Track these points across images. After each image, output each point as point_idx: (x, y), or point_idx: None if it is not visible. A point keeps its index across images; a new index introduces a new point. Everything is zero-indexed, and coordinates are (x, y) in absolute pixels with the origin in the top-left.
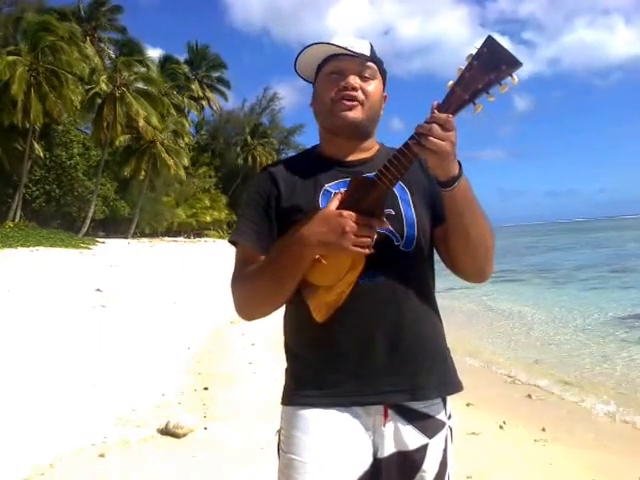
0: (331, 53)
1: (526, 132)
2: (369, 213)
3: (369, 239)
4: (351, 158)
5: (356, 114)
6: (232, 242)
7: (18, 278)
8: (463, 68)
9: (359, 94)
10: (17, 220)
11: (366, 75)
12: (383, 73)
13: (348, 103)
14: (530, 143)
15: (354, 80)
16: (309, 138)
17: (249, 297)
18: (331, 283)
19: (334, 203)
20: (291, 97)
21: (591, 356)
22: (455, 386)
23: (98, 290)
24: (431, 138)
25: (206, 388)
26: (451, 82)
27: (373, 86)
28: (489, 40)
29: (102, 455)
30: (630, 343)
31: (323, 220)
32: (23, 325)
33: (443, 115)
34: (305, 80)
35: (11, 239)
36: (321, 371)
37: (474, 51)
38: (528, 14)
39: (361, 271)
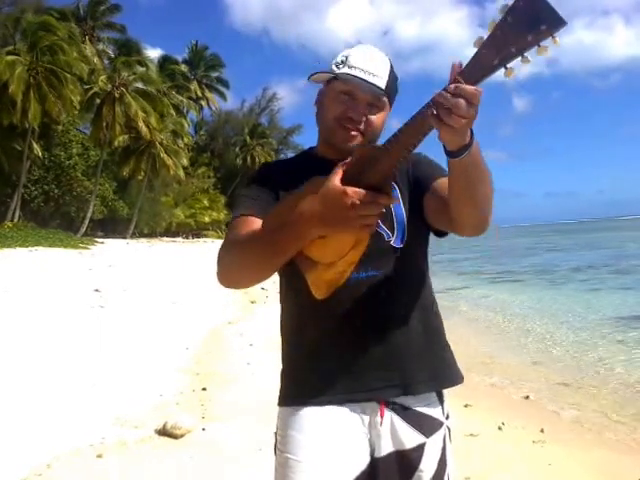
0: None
1: (525, 133)
2: (375, 188)
3: (375, 218)
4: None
5: (354, 142)
6: (236, 215)
7: (16, 278)
8: (495, 23)
9: (362, 126)
10: (16, 220)
11: (375, 107)
12: (394, 93)
13: (350, 133)
14: (529, 144)
15: (361, 114)
16: (308, 138)
17: (236, 264)
18: (331, 260)
19: (337, 177)
20: (290, 97)
21: (590, 357)
22: (450, 380)
23: (97, 290)
24: (454, 114)
25: (204, 389)
26: (479, 38)
27: (378, 117)
28: None
29: (100, 456)
30: (629, 344)
31: (326, 198)
32: (21, 325)
33: (471, 88)
34: (315, 83)
35: (10, 239)
36: (314, 370)
37: (510, 1)
38: None
39: (363, 251)
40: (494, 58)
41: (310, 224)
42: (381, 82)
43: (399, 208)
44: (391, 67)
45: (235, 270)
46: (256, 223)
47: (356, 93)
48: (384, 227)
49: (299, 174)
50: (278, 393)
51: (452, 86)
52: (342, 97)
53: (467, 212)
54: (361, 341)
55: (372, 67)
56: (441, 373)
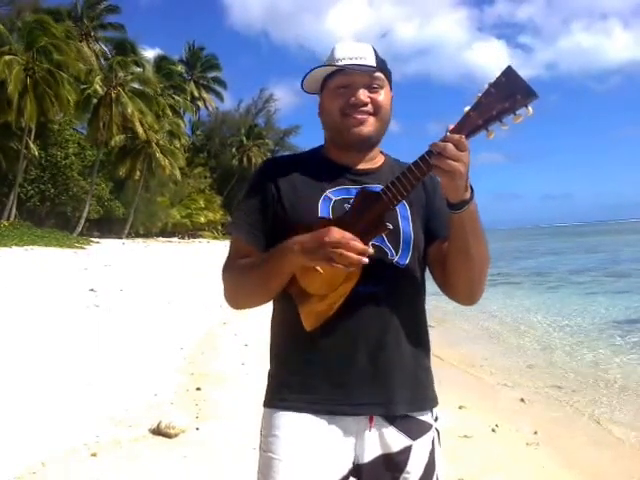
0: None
1: (523, 135)
2: (369, 227)
3: (352, 258)
4: (356, 166)
5: (368, 127)
6: (228, 232)
7: (12, 277)
8: (480, 95)
9: (369, 107)
10: (12, 219)
11: (374, 86)
12: (389, 75)
13: (359, 117)
14: (526, 146)
15: (364, 95)
16: (305, 139)
17: (236, 290)
18: (324, 292)
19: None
20: (288, 98)
21: (584, 360)
22: (428, 403)
23: (92, 290)
24: (445, 157)
25: (198, 388)
26: (468, 107)
27: (383, 95)
28: (508, 70)
29: (94, 454)
30: (624, 348)
31: (314, 232)
32: (16, 324)
33: (457, 135)
34: (311, 94)
35: (6, 238)
36: (301, 376)
37: (494, 80)
38: (526, 18)
39: (355, 284)
40: (479, 119)
41: (292, 251)
42: (370, 62)
43: (407, 226)
44: (375, 50)
45: (238, 295)
46: (249, 247)
47: (351, 81)
48: (389, 244)
49: (305, 172)
50: (265, 394)
51: (442, 136)
52: (339, 91)
53: (463, 278)
54: (351, 354)
55: (356, 52)
56: (421, 396)
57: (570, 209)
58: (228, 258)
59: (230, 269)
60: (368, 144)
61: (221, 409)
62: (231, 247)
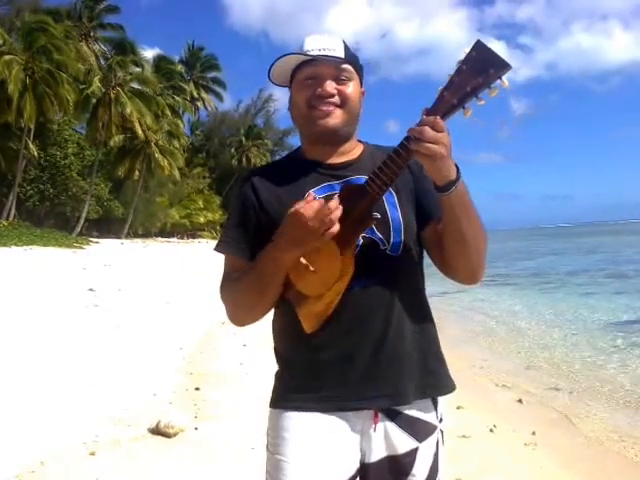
0: (305, 59)
1: (522, 136)
2: (358, 221)
3: (331, 221)
4: (334, 161)
5: (334, 120)
6: (218, 251)
7: (11, 277)
8: (452, 74)
9: (336, 99)
10: (11, 219)
11: (342, 77)
12: (360, 70)
13: (324, 109)
14: (526, 147)
15: (330, 86)
16: None
17: (235, 304)
18: (320, 292)
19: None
20: (287, 99)
21: (583, 361)
22: (438, 390)
23: (91, 290)
24: (422, 141)
25: (197, 388)
26: (441, 87)
27: (351, 87)
28: (478, 44)
29: (93, 454)
30: (622, 349)
31: (286, 223)
32: (15, 324)
33: (432, 117)
34: (281, 86)
35: (5, 238)
36: (306, 376)
37: (463, 56)
38: (526, 18)
39: (350, 279)
40: (453, 98)
41: (283, 249)
42: (338, 54)
43: (396, 214)
44: (345, 43)
45: (238, 309)
46: (239, 261)
47: (318, 72)
48: (379, 234)
49: (285, 177)
50: (271, 394)
51: (419, 120)
52: (307, 82)
53: (461, 259)
54: (355, 350)
55: (325, 44)
56: (431, 384)
57: (570, 210)
58: (223, 277)
59: (225, 287)
60: (336, 136)
61: (220, 409)
62: (224, 264)
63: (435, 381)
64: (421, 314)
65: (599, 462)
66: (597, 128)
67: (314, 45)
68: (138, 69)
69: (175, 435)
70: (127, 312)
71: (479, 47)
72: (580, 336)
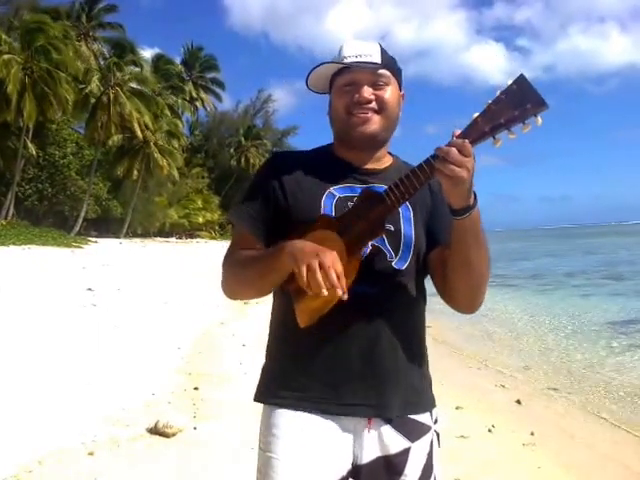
0: (342, 67)
1: (521, 138)
2: (369, 228)
3: (321, 283)
4: (363, 166)
5: (372, 126)
6: (230, 220)
7: (9, 276)
8: (490, 101)
9: (373, 105)
10: (9, 218)
11: (379, 83)
12: (397, 73)
13: (362, 115)
14: (525, 149)
15: (367, 92)
16: (303, 140)
17: (235, 281)
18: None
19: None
20: (287, 99)
21: (581, 362)
22: (422, 407)
23: (89, 289)
24: (448, 162)
25: (196, 388)
26: (477, 114)
27: (389, 92)
28: (520, 78)
29: (91, 453)
30: (619, 349)
31: (307, 242)
32: (13, 323)
33: (461, 140)
34: (319, 93)
35: (3, 237)
36: (291, 373)
37: (505, 87)
38: (524, 21)
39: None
40: (486, 126)
41: (286, 253)
42: (375, 59)
43: (409, 229)
44: (382, 48)
45: (236, 285)
46: (250, 238)
47: (356, 78)
48: (389, 246)
49: (310, 169)
50: (256, 387)
51: (449, 141)
52: (345, 89)
53: (462, 282)
54: (342, 354)
55: (362, 50)
56: (414, 400)
57: (568, 211)
58: (230, 247)
59: (231, 259)
60: (373, 142)
61: (219, 409)
62: (233, 236)
63: (418, 399)
64: (415, 332)
65: (597, 462)
66: (595, 130)
67: (351, 52)
68: (137, 69)
69: (174, 435)
70: (126, 312)
71: (521, 81)
72: (578, 337)
